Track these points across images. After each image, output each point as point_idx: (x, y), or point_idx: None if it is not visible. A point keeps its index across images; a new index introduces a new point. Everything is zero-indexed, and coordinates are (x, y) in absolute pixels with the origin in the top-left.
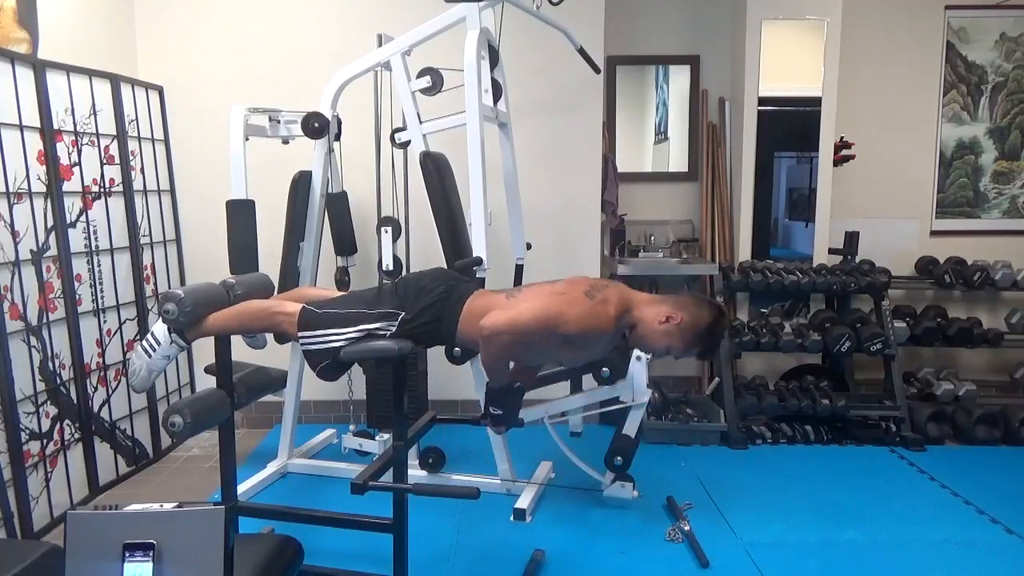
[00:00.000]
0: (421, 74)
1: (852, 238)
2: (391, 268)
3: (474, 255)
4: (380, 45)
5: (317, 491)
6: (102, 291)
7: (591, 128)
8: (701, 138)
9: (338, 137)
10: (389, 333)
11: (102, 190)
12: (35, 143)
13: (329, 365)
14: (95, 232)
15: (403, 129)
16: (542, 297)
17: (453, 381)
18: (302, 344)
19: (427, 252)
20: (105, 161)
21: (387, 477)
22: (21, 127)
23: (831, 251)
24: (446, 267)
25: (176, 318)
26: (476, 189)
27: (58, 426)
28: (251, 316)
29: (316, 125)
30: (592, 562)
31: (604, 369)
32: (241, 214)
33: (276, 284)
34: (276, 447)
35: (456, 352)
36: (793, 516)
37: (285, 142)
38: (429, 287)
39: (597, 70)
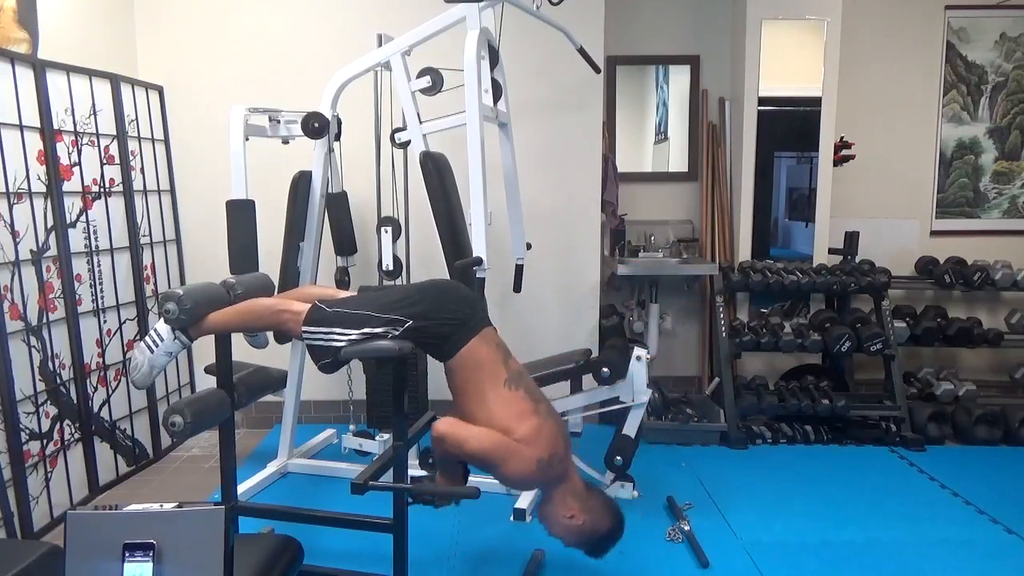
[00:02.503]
0: (421, 74)
1: (852, 238)
2: (391, 268)
3: (474, 255)
4: (380, 45)
5: (317, 491)
6: (102, 291)
7: (591, 128)
8: (701, 138)
9: (338, 137)
10: (391, 336)
11: (102, 190)
12: (35, 143)
13: (330, 362)
14: (95, 232)
15: (403, 129)
16: (502, 428)
17: None
18: (305, 338)
19: (427, 252)
20: (105, 161)
21: (387, 477)
22: (21, 127)
23: (831, 251)
24: (450, 273)
25: (176, 317)
26: (476, 189)
27: (58, 426)
28: (255, 314)
29: (316, 125)
30: (592, 562)
31: (604, 369)
32: (241, 214)
33: (276, 284)
34: (276, 447)
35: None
36: (793, 516)
37: (285, 142)
38: (452, 307)
39: (597, 70)
